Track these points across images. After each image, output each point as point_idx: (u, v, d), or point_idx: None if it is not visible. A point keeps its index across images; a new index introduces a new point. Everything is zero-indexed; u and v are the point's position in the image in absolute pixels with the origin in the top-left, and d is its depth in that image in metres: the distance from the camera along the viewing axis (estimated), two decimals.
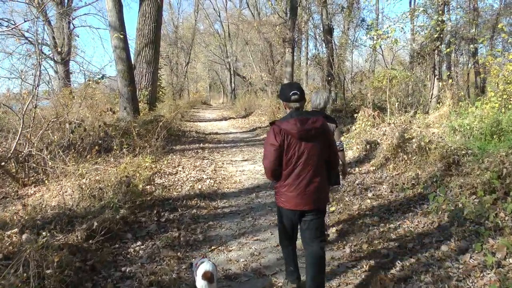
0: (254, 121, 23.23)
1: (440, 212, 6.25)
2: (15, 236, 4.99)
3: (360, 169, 9.83)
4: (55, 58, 31.43)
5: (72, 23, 31.43)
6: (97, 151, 10.15)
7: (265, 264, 5.25)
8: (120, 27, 16.02)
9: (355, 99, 21.67)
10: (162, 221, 6.73)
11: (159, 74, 25.01)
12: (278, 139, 3.90)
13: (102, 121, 13.20)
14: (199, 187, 8.76)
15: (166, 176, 9.57)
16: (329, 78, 20.23)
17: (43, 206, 6.92)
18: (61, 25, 31.50)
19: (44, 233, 5.18)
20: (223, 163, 11.53)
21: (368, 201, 7.46)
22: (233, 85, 47.52)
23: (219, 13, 47.40)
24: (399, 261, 4.96)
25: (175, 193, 8.27)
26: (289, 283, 4.43)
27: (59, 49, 30.96)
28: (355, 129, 12.93)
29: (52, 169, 8.48)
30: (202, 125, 23.11)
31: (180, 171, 10.15)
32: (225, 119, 27.52)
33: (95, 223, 5.52)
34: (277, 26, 23.03)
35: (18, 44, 31.27)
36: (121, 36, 16.00)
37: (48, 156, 8.42)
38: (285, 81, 21.37)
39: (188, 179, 9.42)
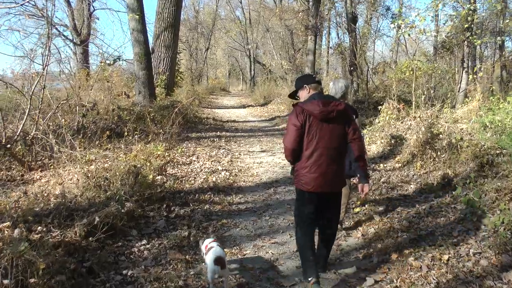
0: (273, 109, 22.61)
1: (475, 219, 5.61)
2: (6, 230, 4.48)
3: (385, 165, 9.22)
4: (74, 40, 31.24)
5: (92, 5, 31.09)
6: (108, 136, 9.67)
7: (283, 273, 4.69)
8: (138, 8, 15.51)
9: (378, 91, 20.89)
10: (171, 217, 6.19)
11: (177, 59, 24.54)
12: (300, 119, 4.00)
13: (116, 104, 12.74)
14: (214, 179, 8.20)
15: (179, 166, 9.03)
16: (351, 68, 19.51)
17: (46, 194, 6.43)
18: (81, 7, 31.26)
19: (39, 227, 4.68)
20: (240, 154, 10.99)
21: (395, 202, 6.85)
22: (252, 72, 46.92)
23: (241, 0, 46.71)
24: (433, 277, 4.34)
25: (187, 186, 7.73)
26: (309, 280, 4.11)
27: (79, 31, 30.73)
28: (379, 122, 12.29)
29: (58, 154, 7.99)
30: (220, 112, 22.57)
31: (195, 161, 9.61)
32: (244, 106, 26.93)
33: (97, 218, 4.99)
34: (300, 13, 22.29)
35: (38, 25, 31.16)
36: (138, 18, 15.49)
37: (54, 141, 7.92)
38: (307, 70, 20.67)
39: (202, 170, 8.87)
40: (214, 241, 4.39)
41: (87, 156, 7.81)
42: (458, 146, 8.19)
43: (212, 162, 9.54)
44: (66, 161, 7.89)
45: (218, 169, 8.97)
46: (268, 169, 9.37)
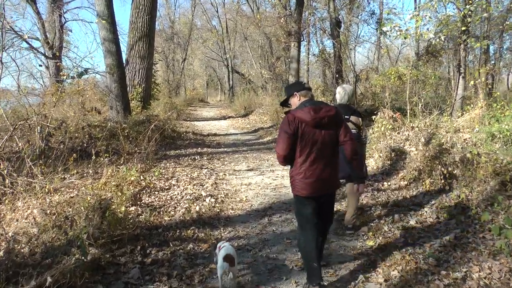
0: (255, 120, 21.59)
1: None
2: None
3: (389, 183, 8.24)
4: (46, 53, 29.92)
5: (64, 17, 29.85)
6: (75, 159, 8.49)
7: None
8: (108, 16, 14.37)
9: (365, 99, 20.01)
10: (147, 263, 5.00)
11: (154, 70, 23.50)
12: (292, 127, 4.07)
13: (86, 122, 11.55)
14: (197, 208, 7.00)
15: (156, 192, 7.83)
16: (337, 75, 18.62)
17: None
18: (52, 19, 30.07)
19: None
20: (225, 174, 9.82)
21: (413, 232, 5.81)
22: (231, 82, 46.10)
23: (217, 9, 45.80)
24: None
25: (166, 218, 6.52)
26: (311, 286, 4.25)
27: (50, 44, 29.44)
28: (373, 133, 11.39)
29: (12, 185, 6.79)
30: (199, 125, 21.47)
31: (174, 185, 8.41)
32: (224, 118, 25.86)
33: (49, 279, 3.83)
34: (282, 19, 21.36)
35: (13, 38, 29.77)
36: (109, 26, 14.36)
37: (6, 169, 6.72)
38: (291, 78, 19.67)
39: (183, 196, 7.65)
40: (227, 241, 4.87)
41: (47, 185, 6.62)
42: (474, 161, 7.23)
43: (195, 186, 8.33)
44: (23, 192, 6.69)
45: (201, 194, 7.78)
46: (258, 192, 8.25)
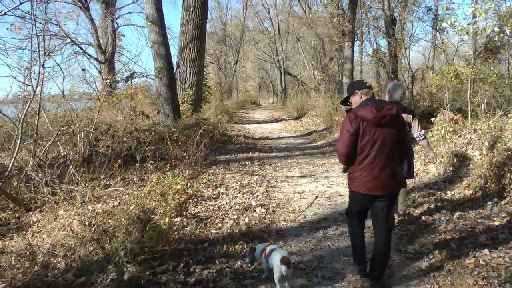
0: (308, 123, 20.94)
1: None
2: None
3: (452, 192, 7.43)
4: (98, 58, 30.45)
5: (116, 22, 30.25)
6: (120, 164, 8.19)
7: None
8: (158, 19, 14.21)
9: (422, 99, 18.92)
10: (190, 283, 4.51)
11: (205, 73, 23.30)
12: (353, 125, 4.07)
13: (134, 126, 11.30)
14: (246, 220, 6.47)
15: (203, 202, 7.35)
16: (392, 76, 17.70)
17: (29, 252, 4.92)
18: (105, 25, 30.58)
19: None
20: (276, 181, 9.24)
21: (485, 251, 4.97)
22: (283, 84, 45.69)
23: (269, 10, 45.44)
24: None
25: (213, 231, 6.02)
26: (357, 270, 4.61)
27: (103, 49, 29.94)
28: (432, 136, 10.58)
29: (53, 193, 6.50)
30: (251, 128, 21.01)
31: (223, 193, 7.91)
32: (276, 120, 25.33)
33: None
34: (335, 18, 20.60)
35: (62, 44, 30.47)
36: (159, 29, 14.19)
37: (50, 176, 6.43)
38: (344, 79, 18.84)
39: (232, 206, 7.14)
40: (272, 243, 4.62)
41: (88, 194, 6.29)
42: None
43: (244, 195, 7.80)
44: (64, 200, 6.40)
45: (251, 204, 7.23)
46: (312, 201, 7.66)
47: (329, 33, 24.09)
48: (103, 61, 29.91)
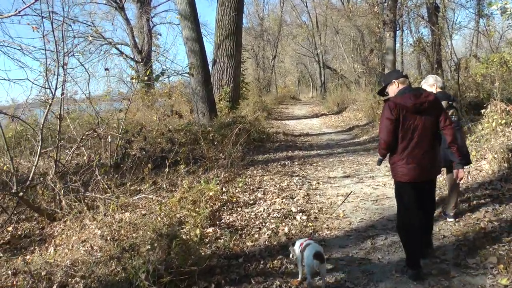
0: (349, 118, 20.09)
1: None
2: None
3: (511, 193, 6.57)
4: (135, 58, 30.43)
5: (152, 21, 30.13)
6: (151, 168, 7.72)
7: None
8: (191, 15, 13.71)
9: (468, 89, 17.74)
10: None
11: (242, 69, 22.80)
12: (394, 113, 4.14)
13: (168, 126, 10.86)
14: (286, 229, 5.82)
15: (239, 209, 6.74)
16: (436, 66, 16.67)
17: (45, 272, 4.46)
18: (140, 24, 30.56)
19: None
20: (318, 182, 8.52)
21: None
22: (322, 78, 44.73)
23: (306, 3, 44.45)
24: None
25: (248, 244, 5.39)
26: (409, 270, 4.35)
27: (140, 49, 29.91)
28: (482, 129, 9.75)
29: (77, 202, 6.05)
30: (291, 124, 20.34)
31: (260, 198, 7.27)
32: (316, 116, 24.54)
33: None
34: (376, 7, 19.65)
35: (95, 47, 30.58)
36: (192, 25, 13.72)
37: (70, 185, 5.99)
38: (386, 71, 17.88)
39: (270, 213, 6.49)
40: (310, 239, 4.63)
41: (112, 204, 5.80)
42: None
43: (284, 200, 7.14)
44: (89, 210, 5.93)
45: (291, 210, 6.56)
46: (357, 206, 6.91)
47: (369, 24, 23.17)
48: (140, 60, 29.88)
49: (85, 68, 7.92)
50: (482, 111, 10.32)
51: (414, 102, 4.11)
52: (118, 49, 31.01)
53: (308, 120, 22.19)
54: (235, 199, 7.02)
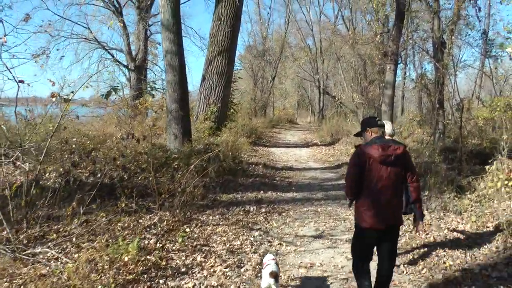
0: (340, 151, 18.64)
1: None
2: None
3: None
4: (128, 65, 29.33)
5: (149, 29, 29.07)
6: (81, 203, 6.27)
7: None
8: (174, 26, 12.43)
9: (471, 135, 16.32)
10: None
11: (232, 88, 21.54)
12: (361, 160, 4.30)
13: (120, 151, 9.40)
14: None
15: (162, 280, 5.11)
16: (438, 106, 15.34)
17: None
18: (138, 30, 29.63)
19: None
20: (281, 243, 6.90)
21: None
22: (321, 104, 43.74)
23: (312, 27, 43.40)
24: None
25: None
26: None
27: (134, 56, 28.80)
28: (485, 188, 8.47)
29: None
30: (277, 153, 18.87)
31: (198, 264, 5.65)
32: (307, 145, 23.04)
33: None
34: (377, 36, 18.31)
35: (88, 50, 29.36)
36: (174, 37, 12.41)
37: None
38: (384, 106, 16.29)
39: None
40: (273, 259, 4.93)
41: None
42: None
43: (227, 269, 5.55)
44: None
45: None
46: (320, 287, 5.40)
47: (371, 54, 21.93)
48: (132, 68, 28.70)
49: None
50: (487, 167, 9.13)
51: (381, 154, 4.21)
52: (110, 53, 29.89)
53: (297, 150, 20.68)
54: (163, 264, 5.45)
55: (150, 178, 8.02)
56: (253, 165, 13.83)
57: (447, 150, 13.89)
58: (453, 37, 19.58)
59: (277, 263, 4.84)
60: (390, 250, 4.49)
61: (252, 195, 9.86)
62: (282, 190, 10.97)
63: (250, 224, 7.60)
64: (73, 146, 9.34)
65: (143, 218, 7.03)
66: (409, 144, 17.09)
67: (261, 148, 19.46)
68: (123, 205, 7.07)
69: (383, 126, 4.61)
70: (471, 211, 8.18)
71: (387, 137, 5.48)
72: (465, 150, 12.97)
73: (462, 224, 7.61)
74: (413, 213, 5.20)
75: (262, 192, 10.34)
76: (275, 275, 4.53)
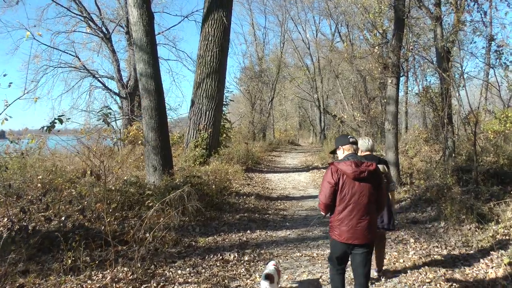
0: None
1: None
2: None
3: None
4: (120, 93, 28.35)
5: None
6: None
7: None
8: (148, 45, 11.14)
9: (485, 152, 14.78)
10: None
11: (224, 112, 20.33)
12: (334, 177, 4.39)
13: (77, 191, 8.00)
14: None
15: None
16: (446, 121, 13.89)
17: None
18: (128, 56, 28.74)
19: None
20: None
21: None
22: (322, 124, 42.28)
23: (309, 46, 42.40)
24: None
25: None
26: None
27: (125, 84, 27.84)
28: (501, 222, 7.08)
29: None
30: (274, 179, 17.45)
31: None
32: (308, 169, 21.51)
33: None
34: (376, 48, 16.95)
35: (78, 78, 28.30)
36: (148, 58, 11.14)
37: None
38: (387, 124, 14.68)
39: None
40: (274, 265, 5.45)
41: None
42: None
43: None
44: None
45: None
46: None
47: (370, 68, 20.59)
48: (124, 95, 27.71)
49: None
50: (508, 199, 7.77)
51: (354, 170, 4.30)
52: (101, 81, 28.94)
53: (296, 175, 19.22)
54: None
55: (104, 225, 6.59)
56: (244, 196, 12.33)
57: (460, 170, 12.37)
58: (455, 48, 18.26)
59: (277, 269, 5.22)
60: (361, 266, 4.50)
61: (236, 237, 8.31)
62: (274, 227, 9.48)
63: (226, 281, 6.03)
64: (20, 186, 8.01)
65: (95, 277, 5.59)
66: (417, 164, 15.65)
67: (257, 175, 18.01)
68: (69, 261, 5.66)
69: (355, 143, 4.69)
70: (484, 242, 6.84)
71: (366, 153, 6.01)
72: (481, 170, 11.47)
73: (492, 268, 6.15)
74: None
75: (248, 231, 8.80)
76: (270, 278, 4.91)
